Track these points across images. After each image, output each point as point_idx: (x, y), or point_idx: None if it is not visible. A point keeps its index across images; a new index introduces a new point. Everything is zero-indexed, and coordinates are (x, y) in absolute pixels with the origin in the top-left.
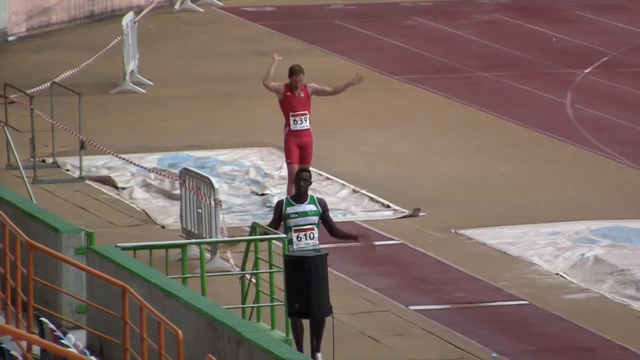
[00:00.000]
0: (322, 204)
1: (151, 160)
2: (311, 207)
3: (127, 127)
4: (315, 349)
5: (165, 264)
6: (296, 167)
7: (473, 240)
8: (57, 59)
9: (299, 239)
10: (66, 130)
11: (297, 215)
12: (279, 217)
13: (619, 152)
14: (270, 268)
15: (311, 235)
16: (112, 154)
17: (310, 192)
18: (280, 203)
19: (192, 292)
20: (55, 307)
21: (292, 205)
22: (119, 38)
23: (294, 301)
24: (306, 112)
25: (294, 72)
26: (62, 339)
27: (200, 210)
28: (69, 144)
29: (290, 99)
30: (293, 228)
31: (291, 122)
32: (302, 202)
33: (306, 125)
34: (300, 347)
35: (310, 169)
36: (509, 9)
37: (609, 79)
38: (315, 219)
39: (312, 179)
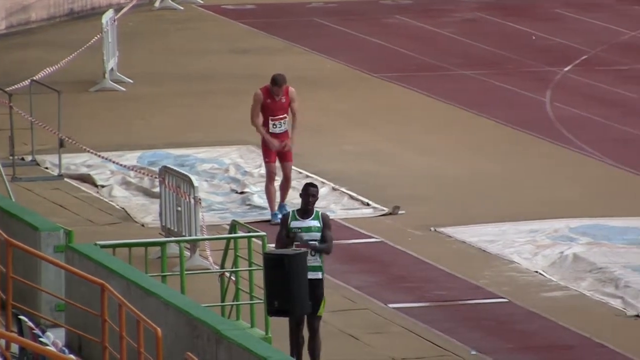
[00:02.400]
0: (325, 219)
1: (131, 158)
2: (315, 223)
3: (107, 125)
4: None
5: (144, 262)
6: (274, 165)
7: (452, 238)
8: (37, 56)
9: None
10: (45, 128)
11: (300, 231)
12: (287, 232)
13: (598, 150)
14: (250, 266)
15: (312, 251)
16: (92, 152)
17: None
18: (285, 217)
19: (171, 290)
20: (34, 305)
21: (297, 220)
22: (98, 36)
23: (273, 299)
24: (285, 115)
25: (276, 83)
26: (40, 337)
27: (179, 208)
28: (48, 141)
29: (271, 105)
30: (295, 243)
31: (270, 125)
32: (307, 218)
33: (285, 128)
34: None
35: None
36: (489, 8)
37: (588, 77)
38: (319, 235)
39: (292, 177)
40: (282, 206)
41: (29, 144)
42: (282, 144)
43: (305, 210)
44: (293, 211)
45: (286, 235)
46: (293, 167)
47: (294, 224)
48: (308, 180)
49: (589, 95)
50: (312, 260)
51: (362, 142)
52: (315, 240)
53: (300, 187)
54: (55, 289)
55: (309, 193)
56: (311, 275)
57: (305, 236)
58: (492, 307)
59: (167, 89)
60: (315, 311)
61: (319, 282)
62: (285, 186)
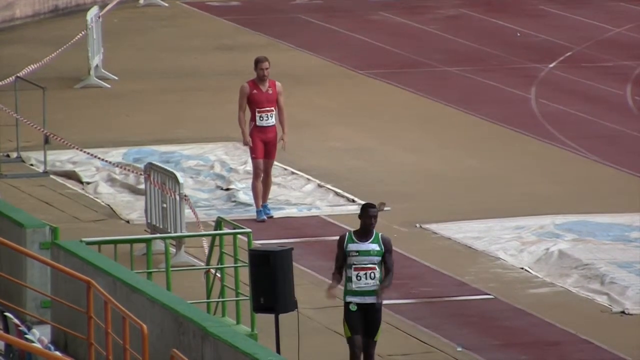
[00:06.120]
0: (387, 243)
1: (116, 154)
2: (374, 247)
3: (92, 122)
4: None
5: (130, 259)
6: (261, 162)
7: (438, 235)
8: (22, 53)
9: (359, 277)
10: (31, 125)
11: (358, 254)
12: (343, 254)
13: (583, 147)
14: (236, 262)
15: (372, 274)
16: (77, 149)
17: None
18: (342, 238)
19: (157, 287)
20: (19, 302)
21: (355, 242)
22: (83, 32)
23: (259, 296)
24: (272, 108)
25: (259, 60)
26: (26, 334)
27: (165, 205)
28: (33, 138)
29: (257, 96)
30: (353, 266)
31: (257, 118)
32: (366, 240)
33: (272, 121)
34: None
35: (276, 163)
36: (473, 4)
37: (573, 74)
38: (378, 258)
39: (277, 174)
40: (264, 206)
41: (14, 141)
42: (269, 139)
43: (365, 232)
44: (350, 232)
45: (343, 258)
46: (279, 164)
47: (351, 246)
48: (293, 177)
49: (574, 92)
50: (372, 284)
51: (347, 139)
52: (374, 264)
53: (286, 184)
54: (41, 286)
55: (370, 215)
56: (372, 299)
57: (363, 260)
58: (478, 304)
59: (152, 86)
60: (373, 335)
61: (380, 306)
62: (266, 183)
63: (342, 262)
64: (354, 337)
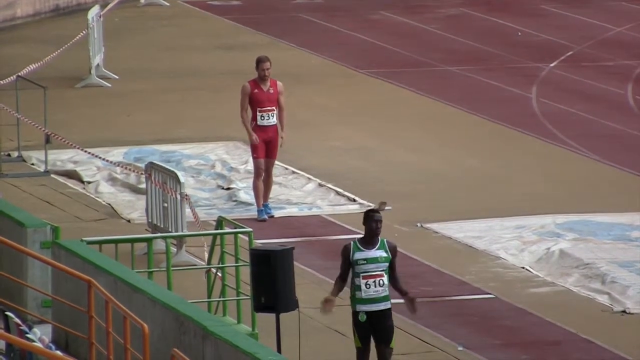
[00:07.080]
0: (393, 249)
1: (117, 154)
2: (381, 253)
3: (93, 121)
4: None
5: (131, 258)
6: (262, 161)
7: (439, 234)
8: (23, 52)
9: (368, 286)
10: (31, 124)
11: (366, 262)
12: (348, 266)
13: (584, 146)
14: (237, 262)
15: (381, 282)
16: (78, 148)
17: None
18: (347, 249)
19: (158, 287)
20: (20, 302)
21: (361, 250)
22: (84, 32)
23: (260, 295)
24: (274, 107)
25: (260, 60)
26: (27, 333)
27: (166, 205)
28: (34, 138)
29: (258, 95)
30: (362, 274)
31: (258, 117)
32: (372, 247)
33: (273, 121)
34: None
35: (276, 162)
36: (474, 3)
37: (574, 73)
38: (386, 265)
39: (278, 173)
40: (265, 206)
41: (15, 140)
42: (268, 138)
43: (371, 238)
44: (355, 242)
45: (348, 270)
46: (280, 163)
47: (358, 254)
48: (294, 177)
49: (575, 91)
50: (382, 291)
51: (347, 138)
52: (383, 271)
53: (287, 183)
54: (42, 285)
55: (375, 219)
56: (382, 306)
57: (372, 267)
58: (479, 303)
59: (153, 85)
60: (388, 342)
61: (389, 312)
62: (267, 183)
63: (346, 270)
64: (364, 347)
